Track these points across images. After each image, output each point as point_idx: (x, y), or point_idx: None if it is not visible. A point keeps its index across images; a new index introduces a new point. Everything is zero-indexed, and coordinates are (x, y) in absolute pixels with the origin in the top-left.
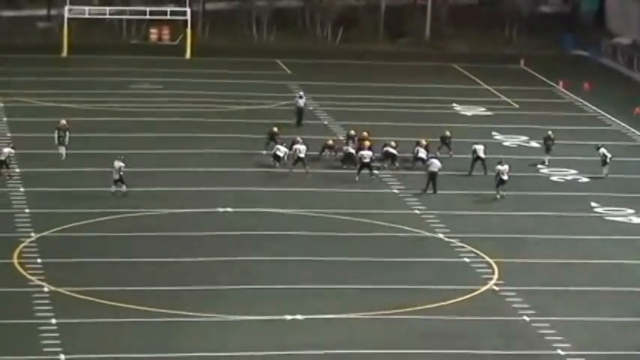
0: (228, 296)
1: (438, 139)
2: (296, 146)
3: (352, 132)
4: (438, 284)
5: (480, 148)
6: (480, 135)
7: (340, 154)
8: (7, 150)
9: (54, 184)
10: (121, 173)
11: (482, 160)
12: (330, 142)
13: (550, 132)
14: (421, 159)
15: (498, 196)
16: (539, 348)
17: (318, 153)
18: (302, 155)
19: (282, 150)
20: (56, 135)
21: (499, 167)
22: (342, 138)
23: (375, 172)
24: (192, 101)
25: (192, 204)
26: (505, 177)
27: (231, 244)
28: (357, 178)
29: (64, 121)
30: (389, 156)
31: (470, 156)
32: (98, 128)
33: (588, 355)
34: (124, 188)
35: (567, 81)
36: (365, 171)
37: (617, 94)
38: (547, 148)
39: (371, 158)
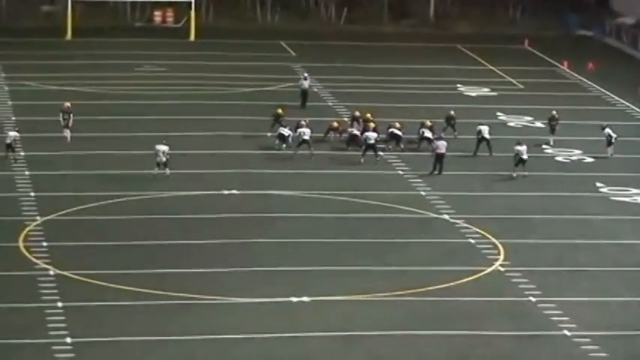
0: (233, 278)
1: (443, 120)
2: (300, 129)
3: (357, 113)
4: (444, 265)
5: (484, 129)
6: (485, 115)
7: (345, 135)
8: (12, 134)
9: (59, 167)
10: (168, 157)
11: (487, 140)
12: (335, 124)
13: (554, 112)
14: (427, 138)
15: (514, 175)
16: (545, 329)
17: (322, 135)
18: (307, 137)
19: (286, 131)
20: (61, 118)
21: (518, 147)
22: (346, 119)
23: (380, 153)
24: (196, 83)
25: (197, 186)
26: (525, 156)
27: (236, 226)
28: (361, 160)
29: (68, 104)
30: (394, 137)
31: (474, 136)
32: (102, 111)
33: (594, 335)
34: (167, 172)
35: (571, 61)
36: (370, 152)
37: (622, 73)
38: (551, 128)
39: (376, 140)
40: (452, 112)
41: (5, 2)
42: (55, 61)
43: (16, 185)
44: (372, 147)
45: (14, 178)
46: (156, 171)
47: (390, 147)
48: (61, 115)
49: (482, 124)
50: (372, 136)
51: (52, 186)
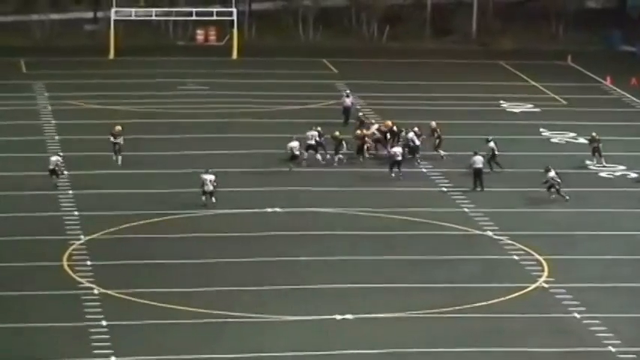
0: (277, 296)
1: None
2: (309, 133)
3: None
4: (488, 282)
5: (491, 145)
6: (528, 132)
7: (373, 151)
8: (54, 159)
9: (102, 186)
10: (215, 184)
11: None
12: (358, 131)
13: (594, 133)
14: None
15: (552, 197)
16: (590, 345)
17: (355, 153)
18: (312, 142)
19: (296, 146)
20: (112, 142)
21: (549, 175)
22: (373, 121)
23: (406, 170)
24: (239, 102)
25: (241, 204)
26: (558, 180)
27: (280, 244)
28: (392, 175)
29: (119, 127)
30: (410, 148)
31: (513, 153)
32: (145, 130)
33: (639, 351)
34: (214, 200)
35: (614, 77)
36: (395, 169)
37: None
38: (593, 150)
39: (403, 155)
40: (433, 124)
41: (49, 21)
42: (98, 80)
43: (60, 204)
44: (398, 164)
45: (58, 197)
46: (204, 199)
47: (406, 151)
48: (111, 138)
49: (488, 140)
50: (399, 152)
51: (95, 205)
